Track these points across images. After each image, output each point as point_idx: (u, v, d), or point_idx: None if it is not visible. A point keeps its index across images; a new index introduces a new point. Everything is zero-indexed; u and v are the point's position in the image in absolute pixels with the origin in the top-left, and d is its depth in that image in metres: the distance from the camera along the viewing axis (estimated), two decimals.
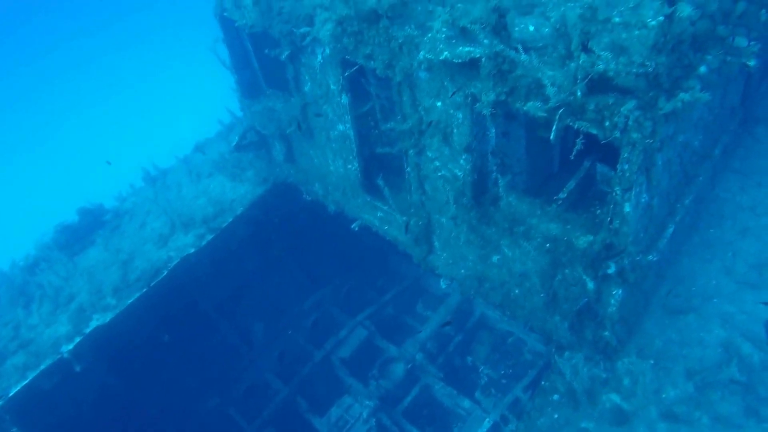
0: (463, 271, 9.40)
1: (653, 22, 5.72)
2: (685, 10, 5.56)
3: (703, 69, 6.50)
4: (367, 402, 12.21)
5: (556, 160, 8.87)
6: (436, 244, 9.60)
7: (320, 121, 9.96)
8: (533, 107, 6.63)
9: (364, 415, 12.10)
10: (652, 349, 8.14)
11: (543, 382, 8.36)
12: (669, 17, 5.66)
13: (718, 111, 8.57)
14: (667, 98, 6.15)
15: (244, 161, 11.92)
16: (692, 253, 8.86)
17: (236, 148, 11.03)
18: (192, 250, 10.82)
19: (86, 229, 11.97)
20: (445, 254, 9.58)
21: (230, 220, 11.15)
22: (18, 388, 10.00)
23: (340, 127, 9.63)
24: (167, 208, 11.33)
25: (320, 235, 12.88)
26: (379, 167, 9.88)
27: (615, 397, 7.95)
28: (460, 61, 6.98)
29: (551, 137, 6.68)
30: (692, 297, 8.46)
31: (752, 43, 6.74)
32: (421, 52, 7.25)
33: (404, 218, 9.63)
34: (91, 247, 11.73)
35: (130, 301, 10.43)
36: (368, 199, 10.11)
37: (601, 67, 5.96)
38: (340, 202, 10.83)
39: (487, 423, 11.18)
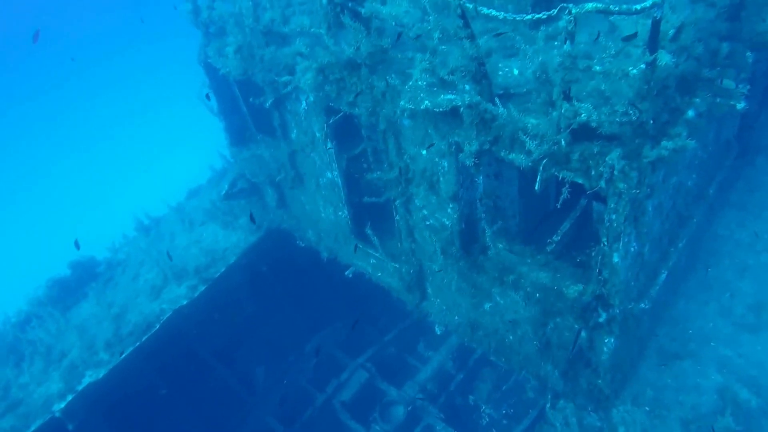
0: (456, 317, 9.05)
1: (634, 71, 5.44)
2: (664, 59, 5.26)
3: (690, 113, 6.21)
4: None
5: (553, 198, 8.55)
6: (429, 290, 9.27)
7: (309, 168, 9.71)
8: (518, 158, 6.33)
9: None
10: (647, 396, 7.74)
11: None
12: (651, 64, 5.37)
13: (713, 147, 8.25)
14: (652, 146, 5.85)
15: (236, 208, 11.66)
16: (689, 294, 8.49)
17: (226, 197, 10.78)
18: (185, 302, 10.52)
19: (78, 283, 11.71)
20: (438, 301, 9.23)
21: (222, 270, 10.86)
22: None
23: (329, 174, 9.37)
24: (159, 259, 11.03)
25: (318, 278, 12.55)
26: (369, 214, 9.58)
27: None
28: (441, 110, 6.72)
29: (536, 187, 6.38)
30: (689, 341, 8.08)
31: (740, 85, 6.46)
32: (402, 101, 6.99)
33: (396, 265, 9.31)
34: (84, 301, 11.45)
35: (123, 356, 10.09)
36: (361, 246, 9.80)
37: (583, 117, 5.67)
38: (333, 248, 10.53)
39: None
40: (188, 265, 10.99)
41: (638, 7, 4.89)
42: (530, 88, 6.43)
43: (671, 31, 5.57)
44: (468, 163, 6.80)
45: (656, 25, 5.10)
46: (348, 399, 12.71)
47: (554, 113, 5.93)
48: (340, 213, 9.71)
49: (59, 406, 9.91)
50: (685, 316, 8.32)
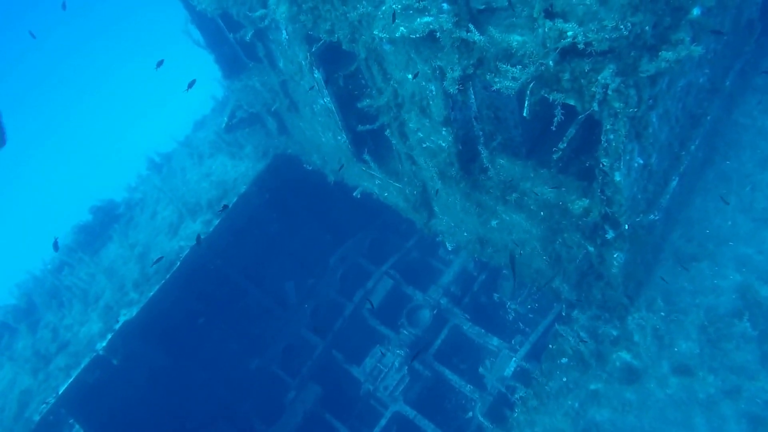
0: (465, 234, 8.71)
1: None
2: None
3: (696, 11, 5.35)
4: (398, 351, 12.00)
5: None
6: (436, 209, 8.89)
7: (302, 95, 9.12)
8: (504, 84, 5.64)
9: (396, 364, 11.93)
10: (662, 300, 7.41)
11: (550, 346, 7.80)
12: None
13: (730, 34, 7.27)
14: (650, 57, 5.11)
15: (241, 138, 11.22)
16: (706, 190, 7.86)
17: (227, 129, 10.34)
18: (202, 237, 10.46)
19: (102, 226, 11.74)
20: (446, 218, 8.87)
21: (234, 200, 10.63)
22: (65, 386, 10.18)
23: (321, 101, 8.78)
24: (173, 196, 10.89)
25: (332, 197, 12.26)
26: (371, 135, 9.05)
27: (625, 355, 7.35)
28: (417, 36, 5.99)
29: (524, 113, 5.75)
30: (706, 240, 7.57)
31: None
32: (375, 30, 6.27)
33: (400, 186, 8.90)
34: (110, 243, 11.53)
35: (151, 293, 10.26)
36: (364, 168, 9.37)
37: (569, 37, 4.92)
38: (337, 172, 10.12)
39: (513, 363, 10.81)
40: (201, 199, 10.82)
41: None
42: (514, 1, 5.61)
43: None
44: (452, 90, 6.15)
45: None
46: (376, 306, 12.82)
47: (539, 30, 5.18)
48: (339, 137, 9.21)
49: (101, 345, 10.27)
50: (702, 214, 7.76)
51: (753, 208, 7.50)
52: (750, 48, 7.83)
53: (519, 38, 5.44)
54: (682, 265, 7.46)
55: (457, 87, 6.11)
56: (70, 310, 10.87)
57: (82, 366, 10.22)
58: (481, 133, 7.33)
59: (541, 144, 7.72)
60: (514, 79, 5.47)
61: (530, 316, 12.19)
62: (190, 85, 8.31)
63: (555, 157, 6.91)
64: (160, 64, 9.06)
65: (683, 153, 6.95)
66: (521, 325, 12.27)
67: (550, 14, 5.06)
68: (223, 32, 9.77)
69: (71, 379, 10.17)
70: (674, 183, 6.83)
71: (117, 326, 10.23)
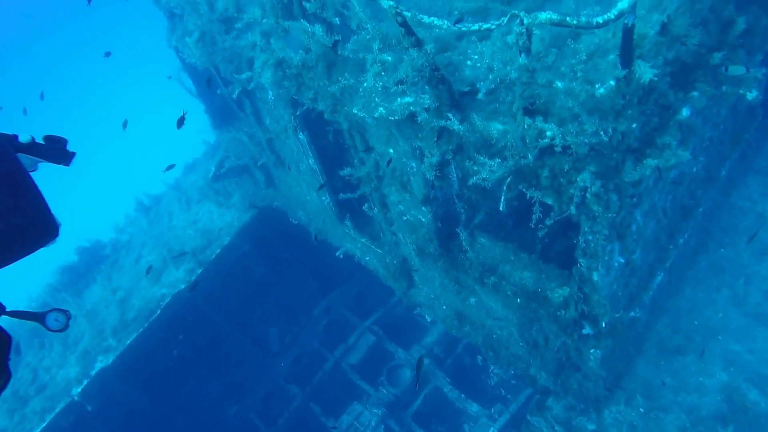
0: (444, 307, 8.26)
1: (601, 90, 4.22)
2: (645, 73, 4.03)
3: (685, 112, 4.98)
4: (376, 410, 11.46)
5: None
6: (416, 278, 8.45)
7: (288, 153, 8.78)
8: (480, 177, 5.20)
9: (373, 423, 11.38)
10: (643, 396, 6.89)
11: None
12: (626, 78, 4.16)
13: (727, 123, 6.87)
14: (635, 161, 4.71)
15: (229, 185, 10.88)
16: (698, 279, 7.37)
17: (214, 179, 9.99)
18: (182, 286, 10.04)
19: (87, 267, 11.38)
20: (426, 289, 8.42)
21: (218, 251, 10.25)
22: (38, 430, 9.73)
23: (306, 161, 8.43)
24: (159, 241, 10.52)
25: (317, 251, 11.85)
26: (355, 198, 8.67)
27: None
28: (396, 118, 5.64)
29: (500, 207, 5.35)
30: (693, 333, 7.08)
31: (752, 70, 5.11)
32: (355, 108, 5.92)
33: (381, 252, 8.48)
34: (93, 285, 11.15)
35: (129, 341, 9.82)
36: (347, 230, 8.97)
37: (548, 138, 4.54)
38: (322, 230, 9.72)
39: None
40: (186, 247, 10.43)
41: (600, 20, 3.67)
42: (497, 87, 5.24)
43: (651, 32, 4.28)
44: (429, 176, 5.78)
45: (628, 34, 3.87)
46: (357, 362, 12.31)
47: (519, 127, 4.80)
48: (323, 198, 8.83)
49: (77, 390, 9.83)
50: (691, 304, 7.26)
51: (746, 302, 7.01)
52: (751, 134, 7.42)
53: (500, 127, 5.06)
54: (666, 359, 6.97)
55: (434, 173, 5.73)
56: (50, 351, 10.46)
57: (56, 411, 9.78)
58: (462, 210, 6.94)
59: (526, 220, 7.31)
60: (491, 171, 5.08)
61: (512, 382, 11.65)
62: (181, 121, 7.87)
63: (540, 234, 6.58)
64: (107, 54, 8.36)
65: (671, 247, 6.50)
66: (503, 391, 11.71)
67: (530, 111, 4.69)
68: (215, 81, 9.49)
69: (45, 424, 9.72)
70: (659, 279, 6.36)
71: (93, 372, 9.79)
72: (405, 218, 7.27)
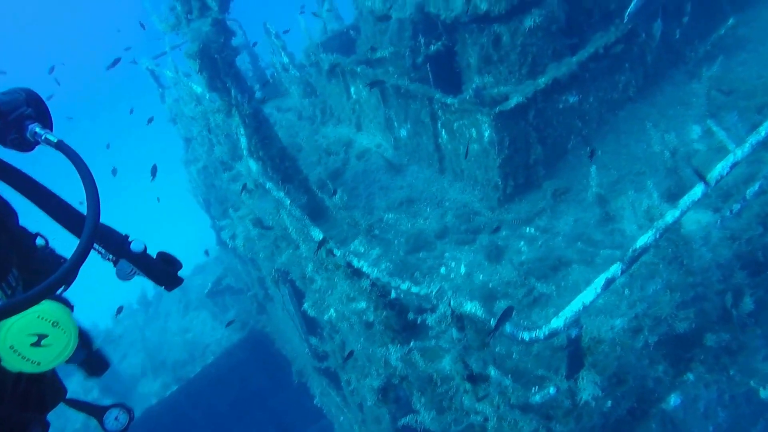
0: None
1: (536, 397, 3.54)
2: (586, 391, 3.35)
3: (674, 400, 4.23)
4: None
5: None
6: None
7: (275, 293, 8.39)
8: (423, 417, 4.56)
9: None
10: None
11: None
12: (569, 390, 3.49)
13: None
14: None
15: (229, 299, 10.56)
16: None
17: (209, 295, 9.72)
18: (154, 401, 9.63)
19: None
20: None
21: (198, 370, 9.82)
22: None
23: (289, 308, 8.01)
24: (147, 344, 10.23)
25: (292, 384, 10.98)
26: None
27: None
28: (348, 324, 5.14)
29: None
30: None
31: None
32: (306, 304, 5.51)
33: (351, 416, 7.79)
34: (68, 381, 10.88)
35: None
36: (324, 384, 8.38)
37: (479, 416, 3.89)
38: (303, 373, 9.17)
39: None
40: (168, 358, 10.09)
41: (527, 336, 3.08)
42: None
43: (608, 336, 3.60)
44: (369, 402, 5.19)
45: (574, 345, 3.25)
46: None
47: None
48: (303, 344, 8.32)
49: None
50: None
51: None
52: None
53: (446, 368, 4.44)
54: None
55: (377, 397, 5.14)
56: None
57: None
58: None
59: None
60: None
61: None
62: (153, 171, 7.37)
63: None
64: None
65: None
66: None
67: (473, 378, 4.05)
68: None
69: None
70: None
71: None
72: (369, 404, 6.62)
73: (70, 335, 1.95)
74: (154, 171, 6.73)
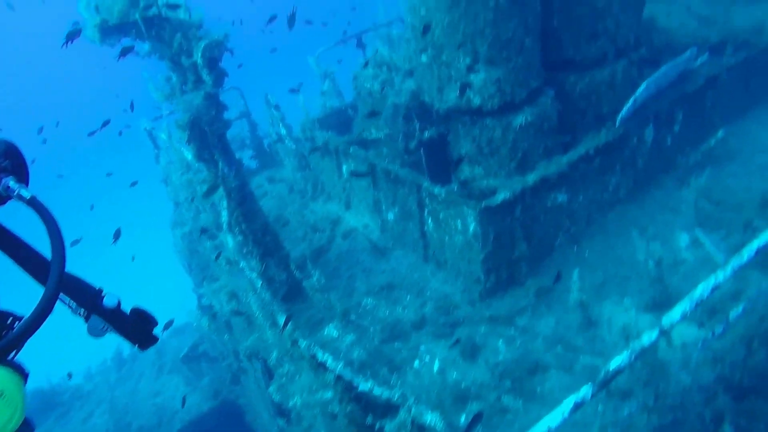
0: None
1: None
2: None
3: None
4: None
5: None
6: None
7: (250, 367, 8.13)
8: None
9: None
10: None
11: None
12: None
13: None
14: None
15: (205, 366, 10.25)
16: None
17: (184, 360, 9.42)
18: None
19: (35, 413, 10.81)
20: None
21: None
22: None
23: (261, 383, 7.72)
24: (114, 405, 9.84)
25: None
26: None
27: None
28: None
29: None
30: None
31: None
32: (270, 387, 5.28)
33: None
34: None
35: None
36: None
37: None
38: None
39: None
40: (135, 422, 9.69)
41: None
42: None
43: None
44: None
45: None
46: None
47: None
48: (273, 424, 7.98)
49: None
50: None
51: None
52: None
53: None
54: None
55: None
56: None
57: None
58: None
59: None
60: None
61: None
62: (117, 235, 7.11)
63: None
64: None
65: None
66: None
67: None
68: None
69: None
70: None
71: None
72: None
73: (15, 408, 1.72)
74: (117, 234, 6.65)
